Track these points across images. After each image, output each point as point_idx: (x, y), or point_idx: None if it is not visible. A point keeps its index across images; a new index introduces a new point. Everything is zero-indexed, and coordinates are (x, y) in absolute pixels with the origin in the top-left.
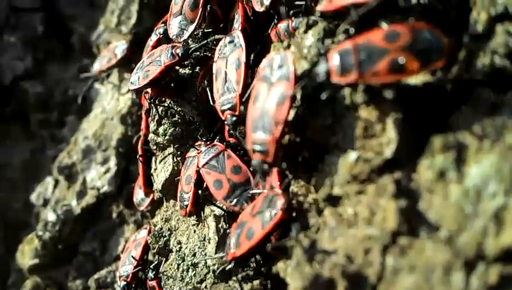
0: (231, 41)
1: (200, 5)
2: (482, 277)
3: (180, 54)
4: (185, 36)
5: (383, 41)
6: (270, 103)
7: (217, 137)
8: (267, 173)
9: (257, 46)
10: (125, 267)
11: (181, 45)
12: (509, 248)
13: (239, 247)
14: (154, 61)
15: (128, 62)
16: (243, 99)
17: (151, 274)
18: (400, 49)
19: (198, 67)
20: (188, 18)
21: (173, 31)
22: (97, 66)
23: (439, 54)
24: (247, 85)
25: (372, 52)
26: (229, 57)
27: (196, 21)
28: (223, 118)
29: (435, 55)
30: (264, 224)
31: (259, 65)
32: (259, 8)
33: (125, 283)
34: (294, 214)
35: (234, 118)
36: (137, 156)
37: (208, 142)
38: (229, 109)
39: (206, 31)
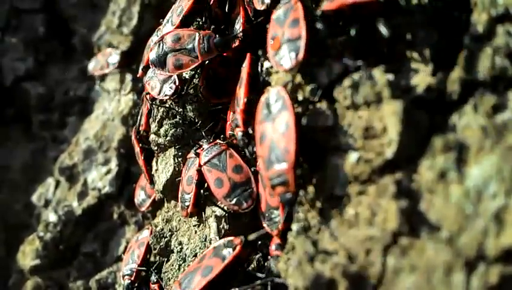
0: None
1: (182, 13)
2: (482, 277)
3: (219, 48)
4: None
5: (277, 20)
6: (277, 135)
7: (221, 136)
8: (294, 202)
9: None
10: (129, 266)
11: (217, 36)
12: (509, 248)
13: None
14: (185, 49)
15: (128, 63)
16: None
17: (153, 277)
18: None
19: (199, 69)
20: (173, 21)
21: (163, 30)
22: (91, 67)
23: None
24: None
25: (278, 23)
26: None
27: (175, 24)
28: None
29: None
30: (225, 258)
31: (257, 106)
32: (260, 7)
33: (129, 281)
34: (294, 215)
35: (241, 134)
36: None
37: (211, 141)
38: (236, 126)
39: None
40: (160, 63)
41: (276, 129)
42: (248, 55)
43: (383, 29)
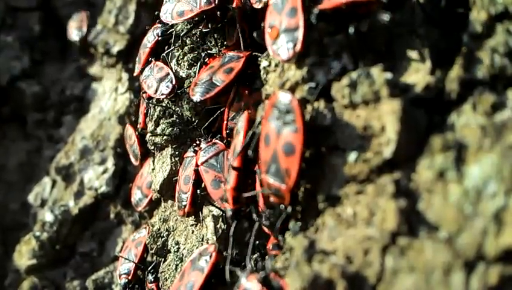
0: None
1: (183, 17)
2: (482, 278)
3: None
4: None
5: (275, 6)
6: (280, 150)
7: (218, 136)
8: (286, 212)
9: None
10: (126, 265)
11: None
12: (509, 249)
13: None
14: (226, 67)
15: (126, 61)
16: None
17: (150, 277)
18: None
19: (196, 67)
20: (173, 16)
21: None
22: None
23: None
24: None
25: (276, 9)
26: None
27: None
28: None
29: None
30: (204, 269)
31: (266, 103)
32: (257, 5)
33: (126, 280)
34: (299, 216)
35: (230, 213)
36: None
37: (209, 140)
38: (226, 201)
39: (204, 31)
40: None
41: (281, 144)
42: (245, 116)
43: (384, 16)
